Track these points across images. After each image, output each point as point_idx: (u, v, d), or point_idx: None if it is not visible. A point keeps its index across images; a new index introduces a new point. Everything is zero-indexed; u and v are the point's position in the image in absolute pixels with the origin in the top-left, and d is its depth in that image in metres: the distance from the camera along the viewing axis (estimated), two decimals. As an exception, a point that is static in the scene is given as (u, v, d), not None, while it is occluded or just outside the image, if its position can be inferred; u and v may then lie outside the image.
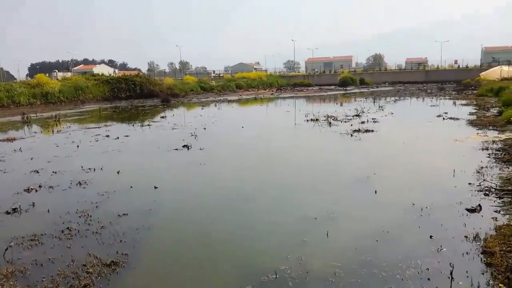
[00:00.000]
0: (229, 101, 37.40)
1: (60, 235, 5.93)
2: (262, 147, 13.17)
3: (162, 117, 22.88)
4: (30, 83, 37.49)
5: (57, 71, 74.75)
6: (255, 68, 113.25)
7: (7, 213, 7.01)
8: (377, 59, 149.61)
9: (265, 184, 8.63)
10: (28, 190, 8.40)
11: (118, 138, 15.31)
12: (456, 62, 72.23)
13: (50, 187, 8.62)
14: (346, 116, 20.40)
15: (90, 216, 6.71)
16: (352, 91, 48.96)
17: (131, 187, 8.43)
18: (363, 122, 17.52)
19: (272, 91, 55.20)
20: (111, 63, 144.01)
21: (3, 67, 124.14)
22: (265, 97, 42.32)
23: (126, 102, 37.16)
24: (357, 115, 20.29)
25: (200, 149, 12.53)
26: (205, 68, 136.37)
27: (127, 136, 15.82)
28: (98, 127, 19.05)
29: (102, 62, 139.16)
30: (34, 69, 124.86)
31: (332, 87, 60.76)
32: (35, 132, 17.83)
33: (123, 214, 6.72)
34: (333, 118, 19.41)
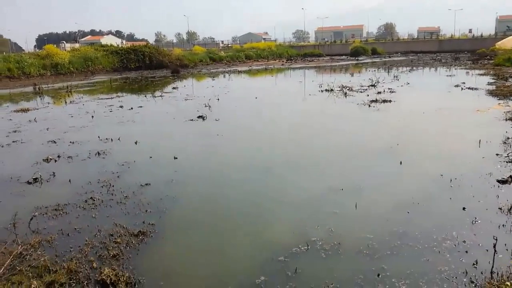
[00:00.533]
0: (239, 72, 36.92)
1: (84, 205, 5.87)
2: (278, 118, 12.94)
3: (174, 88, 22.62)
4: (39, 54, 37.19)
5: (64, 42, 74.15)
6: (264, 39, 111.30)
7: (28, 183, 6.97)
8: (388, 28, 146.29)
9: (286, 155, 8.46)
10: (47, 160, 8.34)
11: (132, 108, 15.17)
12: (470, 31, 70.39)
13: (69, 157, 8.55)
14: (361, 86, 20.01)
15: (113, 186, 6.64)
16: (364, 61, 48.08)
17: (151, 157, 8.33)
18: (379, 93, 17.17)
19: (283, 61, 54.39)
20: (118, 34, 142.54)
21: (10, 39, 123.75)
22: (275, 68, 41.72)
23: (135, 73, 36.83)
24: (373, 85, 19.88)
25: (216, 119, 12.37)
26: (213, 38, 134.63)
27: (140, 107, 15.67)
28: (111, 98, 18.91)
29: (110, 33, 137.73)
30: (42, 41, 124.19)
31: (343, 57, 59.77)
32: (48, 103, 17.74)
33: (146, 184, 6.63)
34: (348, 88, 19.05)
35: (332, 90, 18.70)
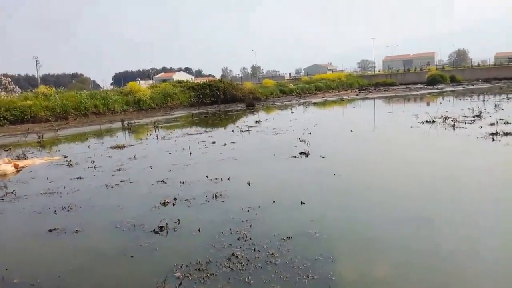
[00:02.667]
0: (315, 104, 36.14)
1: (229, 264, 5.04)
2: (393, 154, 11.69)
3: (257, 121, 22.11)
4: (122, 91, 39.09)
5: (139, 79, 78.64)
6: (329, 69, 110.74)
7: (155, 232, 6.33)
8: (461, 55, 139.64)
9: (443, 203, 7.20)
10: (164, 204, 7.77)
11: (225, 144, 14.68)
12: None
13: (186, 200, 7.92)
14: (465, 117, 18.20)
15: (250, 238, 5.79)
16: (445, 89, 45.35)
17: (274, 201, 7.46)
18: (492, 124, 15.31)
19: (355, 91, 52.98)
20: (187, 70, 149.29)
21: (90, 77, 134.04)
22: (350, 98, 40.50)
23: (211, 107, 37.35)
24: (478, 116, 18.00)
25: (321, 156, 11.37)
26: (277, 71, 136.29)
27: (233, 142, 15.15)
28: (199, 133, 18.73)
29: (180, 69, 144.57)
30: (118, 79, 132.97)
31: (419, 85, 57.07)
32: (140, 139, 17.86)
33: (287, 238, 5.70)
34: (451, 119, 17.36)
35: (434, 121, 17.12)
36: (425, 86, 53.95)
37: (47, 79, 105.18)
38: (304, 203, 7.21)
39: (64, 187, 9.56)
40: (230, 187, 8.67)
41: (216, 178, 9.49)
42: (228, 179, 9.36)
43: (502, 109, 20.42)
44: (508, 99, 26.59)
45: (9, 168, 11.84)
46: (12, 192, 9.32)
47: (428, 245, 5.35)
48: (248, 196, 8.03)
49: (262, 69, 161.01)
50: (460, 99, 29.26)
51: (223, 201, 7.73)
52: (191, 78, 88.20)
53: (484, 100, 26.40)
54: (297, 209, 7.02)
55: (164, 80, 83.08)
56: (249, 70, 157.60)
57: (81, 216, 7.39)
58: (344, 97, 43.04)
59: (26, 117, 27.86)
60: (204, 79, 65.94)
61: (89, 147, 16.08)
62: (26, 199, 8.81)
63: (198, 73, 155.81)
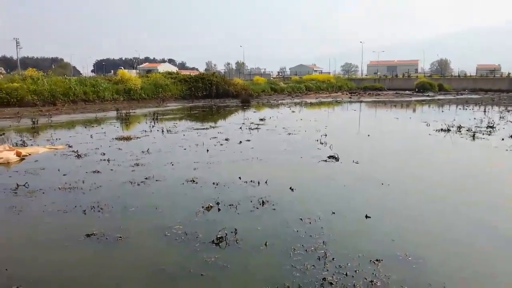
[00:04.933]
0: (312, 104, 35.60)
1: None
2: (431, 162, 11.13)
3: (261, 119, 21.31)
4: (111, 79, 37.56)
5: (122, 68, 76.38)
6: (315, 70, 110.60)
7: (215, 244, 5.51)
8: (442, 64, 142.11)
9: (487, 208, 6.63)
10: (207, 209, 6.94)
11: (241, 142, 13.87)
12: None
13: (230, 205, 7.12)
14: (477, 127, 17.90)
15: (333, 259, 5.05)
16: (436, 97, 45.56)
17: (333, 213, 6.73)
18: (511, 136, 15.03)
19: (346, 94, 52.83)
20: (171, 62, 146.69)
21: (69, 62, 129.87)
22: (344, 100, 40.15)
23: (204, 101, 36.32)
24: (491, 127, 17.73)
25: (355, 162, 10.70)
26: (264, 69, 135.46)
27: (248, 140, 14.34)
28: (206, 128, 17.85)
29: (163, 61, 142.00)
30: (99, 66, 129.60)
31: (407, 92, 57.32)
32: (145, 131, 16.80)
33: (377, 261, 4.98)
34: (465, 128, 17.05)
35: (449, 130, 16.76)
36: (414, 93, 54.19)
37: (25, 62, 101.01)
38: (369, 217, 6.51)
39: (83, 182, 8.58)
40: (272, 192, 7.89)
41: (251, 181, 8.70)
42: (266, 182, 8.58)
43: (511, 122, 20.25)
44: (508, 111, 26.62)
45: (12, 156, 10.72)
46: (24, 185, 8.29)
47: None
48: (299, 204, 7.28)
49: (247, 66, 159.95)
50: (459, 108, 29.21)
51: (274, 209, 6.96)
52: (176, 71, 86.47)
53: (485, 111, 26.36)
54: (364, 224, 6.32)
55: (149, 71, 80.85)
56: (234, 66, 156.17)
57: (117, 218, 6.49)
58: (337, 99, 42.67)
59: (12, 100, 26.22)
60: (188, 72, 64.65)
61: (91, 137, 14.96)
62: (43, 194, 7.81)
63: (182, 66, 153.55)
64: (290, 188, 8.19)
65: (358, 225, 6.27)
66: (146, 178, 8.92)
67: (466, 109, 28.74)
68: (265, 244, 5.45)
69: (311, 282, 4.47)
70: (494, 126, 17.98)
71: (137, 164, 10.35)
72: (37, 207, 7.01)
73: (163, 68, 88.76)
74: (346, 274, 4.64)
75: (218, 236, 5.62)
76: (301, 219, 6.41)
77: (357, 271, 4.71)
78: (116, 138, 14.64)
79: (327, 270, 4.74)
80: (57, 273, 4.83)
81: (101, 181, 8.66)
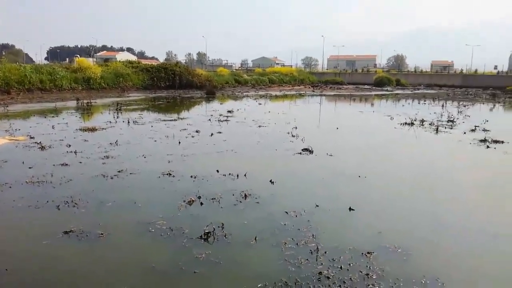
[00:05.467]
0: (276, 97, 35.73)
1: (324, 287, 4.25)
2: (403, 155, 11.44)
3: (229, 111, 21.05)
4: (69, 67, 35.93)
5: (78, 56, 73.25)
6: (276, 63, 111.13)
7: (204, 239, 5.34)
8: (398, 60, 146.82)
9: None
10: (189, 203, 6.74)
11: (212, 134, 13.65)
12: (496, 67, 69.77)
13: (212, 199, 6.95)
14: (439, 121, 18.58)
15: (325, 252, 5.02)
16: (394, 91, 47.01)
17: (317, 205, 6.72)
18: (472, 130, 15.71)
19: (308, 87, 53.46)
20: (129, 51, 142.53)
21: (22, 49, 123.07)
22: (307, 93, 40.62)
23: (167, 92, 35.53)
24: (451, 121, 18.45)
25: (329, 154, 10.80)
26: (226, 60, 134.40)
27: (220, 132, 14.13)
28: (173, 120, 17.45)
29: (121, 49, 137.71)
30: (54, 53, 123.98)
31: (366, 86, 58.80)
32: (109, 121, 16.16)
33: (368, 253, 5.00)
34: (428, 122, 17.67)
35: (413, 124, 17.29)
36: (373, 87, 55.63)
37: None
38: (353, 209, 6.55)
39: (52, 175, 8.10)
40: (253, 186, 7.79)
41: (229, 174, 8.56)
42: (245, 175, 8.47)
43: (468, 116, 21.16)
44: (465, 106, 27.81)
45: (-31, 148, 9.96)
46: (-13, 179, 7.71)
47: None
48: (281, 197, 7.23)
49: (208, 57, 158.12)
50: (418, 103, 30.25)
51: (257, 202, 6.86)
52: (136, 60, 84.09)
53: (443, 106, 27.43)
54: (349, 216, 6.36)
55: (107, 59, 77.98)
56: (195, 57, 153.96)
57: (94, 214, 6.17)
58: (301, 92, 43.10)
59: (-40, 87, 24.47)
60: (148, 62, 62.94)
61: (53, 128, 14.22)
62: (10, 188, 7.30)
63: (141, 55, 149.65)
64: (270, 181, 8.12)
65: (343, 217, 6.30)
66: (119, 171, 8.55)
67: (424, 103, 29.82)
68: (255, 239, 5.34)
69: (307, 276, 4.42)
70: (454, 120, 18.73)
71: (107, 157, 9.91)
72: (6, 202, 6.54)
73: (122, 57, 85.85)
74: (341, 268, 4.62)
75: (206, 231, 5.45)
76: (286, 212, 6.35)
77: (351, 264, 4.70)
78: (80, 129, 14.00)
79: (321, 264, 4.71)
80: (40, 274, 4.50)
81: (70, 175, 8.22)
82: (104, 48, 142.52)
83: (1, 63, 28.78)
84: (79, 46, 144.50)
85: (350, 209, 6.56)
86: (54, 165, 8.95)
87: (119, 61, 43.48)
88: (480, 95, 42.37)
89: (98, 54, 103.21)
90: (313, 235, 5.50)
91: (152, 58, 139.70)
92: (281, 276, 4.40)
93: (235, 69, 77.12)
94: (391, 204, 7.13)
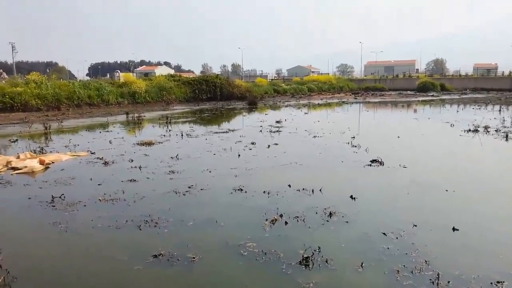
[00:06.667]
0: (319, 105, 35.07)
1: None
2: (475, 165, 10.60)
3: (277, 121, 20.63)
4: (114, 82, 36.78)
5: (119, 71, 75.37)
6: (312, 71, 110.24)
7: (304, 265, 4.85)
8: (438, 64, 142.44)
9: None
10: (272, 222, 6.29)
11: (269, 146, 13.22)
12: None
13: (295, 217, 6.47)
14: (504, 127, 17.41)
15: (448, 282, 4.41)
16: (441, 97, 45.19)
17: (415, 225, 6.09)
18: (547, 136, 14.54)
19: (349, 94, 52.42)
20: (167, 65, 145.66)
21: (65, 66, 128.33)
22: (349, 101, 39.74)
23: (210, 104, 35.64)
24: (517, 126, 17.23)
25: (403, 166, 10.09)
26: (260, 70, 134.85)
27: (276, 144, 13.69)
28: (225, 132, 17.19)
29: (159, 64, 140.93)
30: (95, 69, 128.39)
31: (409, 92, 56.98)
32: (163, 135, 16.09)
33: (498, 283, 4.35)
34: (494, 129, 16.56)
35: (477, 130, 16.24)
36: (417, 93, 53.83)
37: (20, 67, 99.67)
38: (457, 229, 5.89)
39: (123, 192, 7.89)
40: (333, 202, 7.25)
41: (304, 189, 8.08)
42: (320, 190, 7.95)
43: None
44: (523, 111, 26.22)
45: (36, 165, 9.99)
46: (60, 197, 7.58)
47: None
48: (370, 215, 6.66)
49: (243, 68, 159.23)
50: (472, 108, 28.78)
51: (346, 222, 6.32)
52: (178, 74, 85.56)
53: (500, 111, 25.93)
54: (455, 237, 5.70)
55: (146, 74, 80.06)
56: (229, 68, 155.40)
57: (179, 234, 5.83)
58: (343, 99, 42.20)
59: (16, 105, 25.33)
60: (186, 75, 63.79)
61: (111, 142, 14.25)
62: (84, 207, 7.11)
63: (178, 68, 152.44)
64: (351, 197, 7.56)
65: (450, 238, 5.65)
66: (190, 187, 8.26)
67: (479, 108, 28.33)
68: (361, 265, 4.80)
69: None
70: (519, 126, 17.51)
71: (172, 172, 9.67)
72: (85, 223, 6.32)
73: (161, 71, 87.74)
74: (477, 302, 4.01)
75: (304, 256, 4.96)
76: (384, 233, 5.77)
77: (486, 298, 4.08)
78: (137, 144, 13.94)
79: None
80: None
81: (142, 191, 7.98)
82: (142, 63, 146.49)
83: (50, 80, 29.70)
84: (118, 62, 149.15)
85: (453, 229, 5.90)
86: (122, 181, 8.77)
87: (161, 75, 44.15)
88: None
89: (137, 69, 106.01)
90: (425, 261, 4.91)
91: (189, 71, 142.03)
92: (410, 311, 3.84)
93: (271, 79, 77.04)
94: (497, 221, 6.39)
